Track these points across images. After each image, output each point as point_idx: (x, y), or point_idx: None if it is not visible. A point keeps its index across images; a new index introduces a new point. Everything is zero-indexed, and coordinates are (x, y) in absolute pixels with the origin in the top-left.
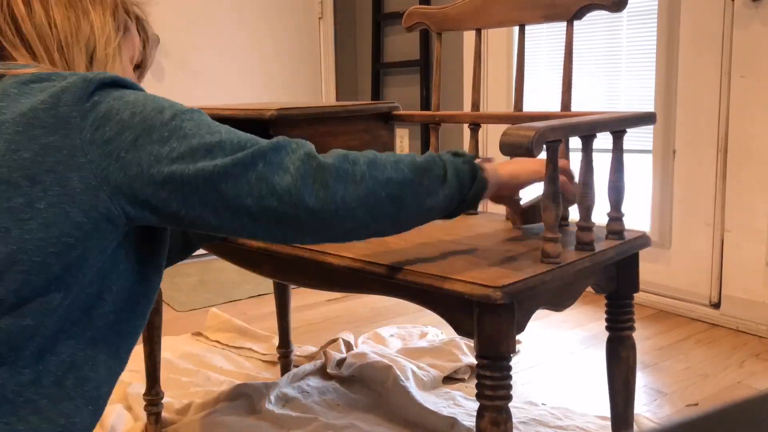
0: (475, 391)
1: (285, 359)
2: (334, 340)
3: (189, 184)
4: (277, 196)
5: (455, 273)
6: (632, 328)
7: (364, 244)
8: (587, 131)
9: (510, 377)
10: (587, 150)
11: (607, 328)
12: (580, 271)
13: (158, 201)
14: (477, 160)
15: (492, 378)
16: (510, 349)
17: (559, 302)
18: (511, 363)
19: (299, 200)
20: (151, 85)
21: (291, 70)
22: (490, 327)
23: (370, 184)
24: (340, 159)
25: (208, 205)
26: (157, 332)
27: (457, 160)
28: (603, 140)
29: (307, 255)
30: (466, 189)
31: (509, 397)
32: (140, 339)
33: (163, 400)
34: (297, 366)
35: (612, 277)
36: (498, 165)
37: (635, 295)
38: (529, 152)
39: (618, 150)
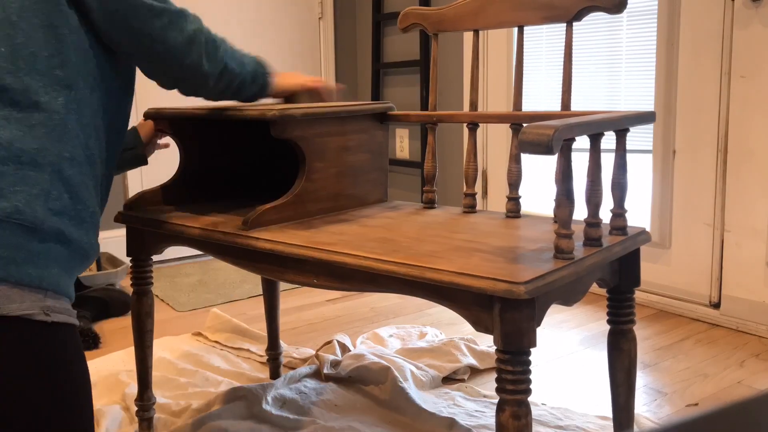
0: (475, 391)
1: (274, 361)
2: (329, 343)
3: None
4: (166, 47)
5: (474, 269)
6: (633, 321)
7: (373, 243)
8: (597, 129)
9: (530, 371)
10: (596, 148)
11: (609, 321)
12: (590, 266)
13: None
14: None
15: (513, 372)
16: (531, 343)
17: (570, 297)
18: None
19: (182, 59)
20: (151, 84)
21: (291, 70)
22: (512, 322)
23: (229, 57)
24: (217, 37)
25: (118, 24)
26: (149, 336)
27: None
28: (603, 140)
29: (318, 255)
30: (261, 80)
31: (529, 391)
32: (138, 342)
33: (161, 401)
34: (291, 368)
35: (615, 272)
36: (278, 79)
37: (635, 294)
38: (550, 150)
39: (621, 148)
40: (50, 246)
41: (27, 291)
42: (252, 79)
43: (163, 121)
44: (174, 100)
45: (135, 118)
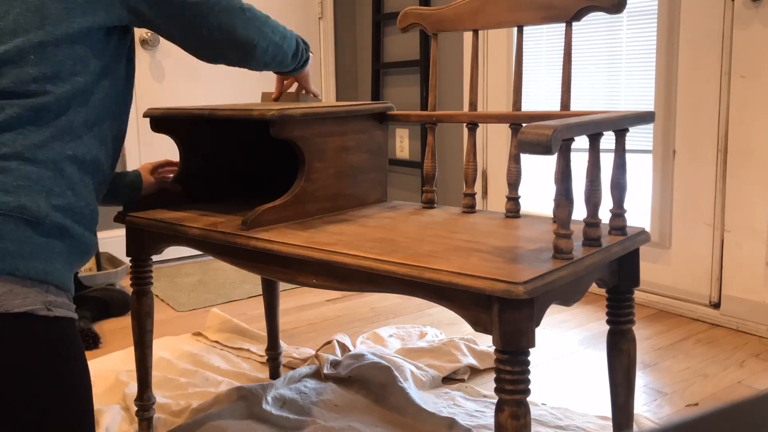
0: (475, 391)
1: (274, 361)
2: (329, 343)
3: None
4: (225, 34)
5: (473, 270)
6: (632, 322)
7: (372, 243)
8: (596, 129)
9: (529, 371)
10: (595, 148)
11: (608, 321)
12: (589, 266)
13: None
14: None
15: (512, 372)
16: (530, 343)
17: (569, 297)
18: None
19: (234, 37)
20: (151, 85)
21: None
22: (511, 322)
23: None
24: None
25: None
26: (149, 336)
27: (301, 39)
28: (602, 140)
29: (318, 255)
30: (301, 60)
31: (528, 391)
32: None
33: (161, 401)
34: (291, 368)
35: (614, 272)
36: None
37: (635, 294)
38: (549, 150)
39: (620, 148)
40: (53, 240)
41: (31, 285)
42: (294, 54)
43: (163, 120)
44: (174, 100)
45: (135, 119)
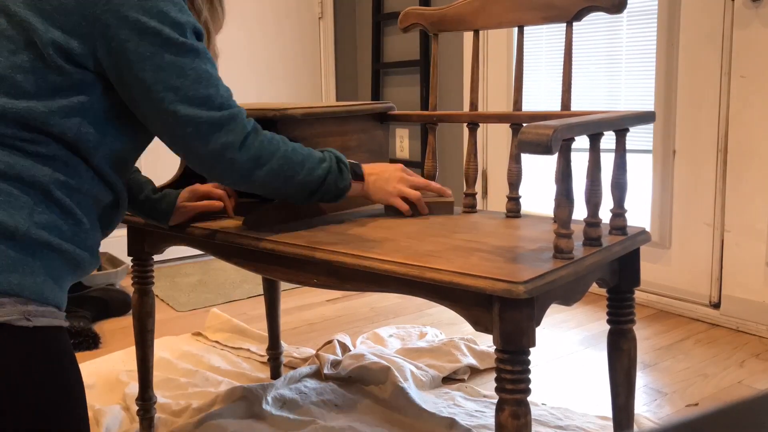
0: (475, 391)
1: (275, 361)
2: (329, 342)
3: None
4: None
5: (473, 269)
6: (633, 321)
7: (373, 243)
8: (596, 129)
9: (529, 371)
10: (595, 148)
11: (609, 321)
12: (590, 265)
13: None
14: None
15: (512, 372)
16: (530, 342)
17: (570, 297)
18: None
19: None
20: None
21: (291, 70)
22: (511, 322)
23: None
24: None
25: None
26: (150, 336)
27: (337, 177)
28: (603, 140)
29: (318, 255)
30: (331, 193)
31: (528, 391)
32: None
33: (162, 401)
34: (292, 367)
35: (615, 272)
36: (365, 183)
37: (635, 294)
38: (549, 150)
39: (621, 148)
40: (35, 255)
41: (9, 297)
42: (321, 183)
43: None
44: None
45: None
